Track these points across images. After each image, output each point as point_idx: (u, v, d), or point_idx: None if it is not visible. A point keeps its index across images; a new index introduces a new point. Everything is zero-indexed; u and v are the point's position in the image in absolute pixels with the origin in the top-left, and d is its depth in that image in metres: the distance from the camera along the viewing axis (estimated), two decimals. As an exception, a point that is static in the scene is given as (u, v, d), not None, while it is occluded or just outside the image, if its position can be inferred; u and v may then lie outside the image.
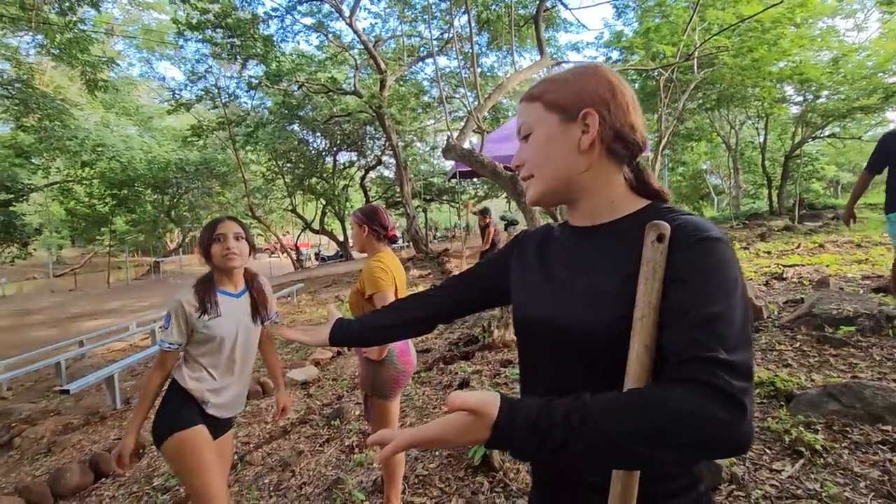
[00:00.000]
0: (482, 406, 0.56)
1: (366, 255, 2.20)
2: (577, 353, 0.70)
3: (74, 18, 12.09)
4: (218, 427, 1.82)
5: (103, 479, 3.24)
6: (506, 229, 9.62)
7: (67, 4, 11.40)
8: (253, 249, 1.86)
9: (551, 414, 0.55)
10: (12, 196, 21.56)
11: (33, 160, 19.81)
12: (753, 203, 24.65)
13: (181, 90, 16.81)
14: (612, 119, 0.72)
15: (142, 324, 10.08)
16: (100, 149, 19.50)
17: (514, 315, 0.86)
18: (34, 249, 24.14)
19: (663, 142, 9.14)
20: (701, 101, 16.71)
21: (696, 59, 8.84)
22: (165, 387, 1.80)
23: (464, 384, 3.70)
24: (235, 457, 3.27)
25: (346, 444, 3.13)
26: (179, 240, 32.09)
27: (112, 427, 4.38)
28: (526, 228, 1.00)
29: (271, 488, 2.74)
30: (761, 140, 20.26)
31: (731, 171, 23.39)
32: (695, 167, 28.17)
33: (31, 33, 13.76)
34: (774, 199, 19.45)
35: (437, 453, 2.75)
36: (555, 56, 14.35)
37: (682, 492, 0.68)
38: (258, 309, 1.86)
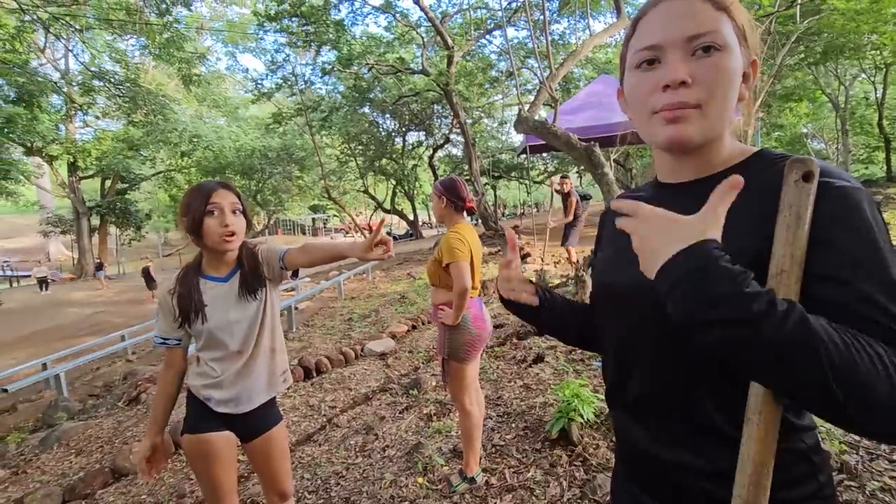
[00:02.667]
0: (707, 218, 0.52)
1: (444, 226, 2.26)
2: (672, 324, 0.60)
3: (170, 18, 13.18)
4: (247, 426, 1.57)
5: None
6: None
7: (164, 6, 12.44)
8: (248, 225, 1.54)
9: (758, 287, 0.48)
10: (127, 185, 24.48)
11: (142, 152, 22.22)
12: (866, 169, 21.66)
13: (262, 80, 17.84)
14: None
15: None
16: (195, 139, 21.37)
17: (594, 286, 0.79)
18: (146, 233, 27.27)
19: (757, 103, 8.23)
20: (803, 55, 14.78)
21: (798, 7, 7.81)
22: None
23: (539, 359, 3.69)
24: (323, 419, 3.54)
25: (424, 412, 3.26)
26: (266, 221, 34.50)
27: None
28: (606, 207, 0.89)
29: (357, 449, 2.93)
30: (878, 96, 17.60)
31: (839, 133, 20.63)
32: (794, 131, 25.11)
33: (135, 36, 15.25)
34: (894, 163, 16.93)
35: (513, 425, 2.79)
36: (633, 15, 13.36)
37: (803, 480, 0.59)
38: (247, 283, 1.52)
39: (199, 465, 1.53)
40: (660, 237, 0.53)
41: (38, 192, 26.91)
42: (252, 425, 1.58)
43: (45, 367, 7.41)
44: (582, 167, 14.02)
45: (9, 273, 23.95)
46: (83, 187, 22.69)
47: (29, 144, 18.13)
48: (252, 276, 1.53)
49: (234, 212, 1.45)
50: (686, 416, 0.62)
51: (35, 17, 11.63)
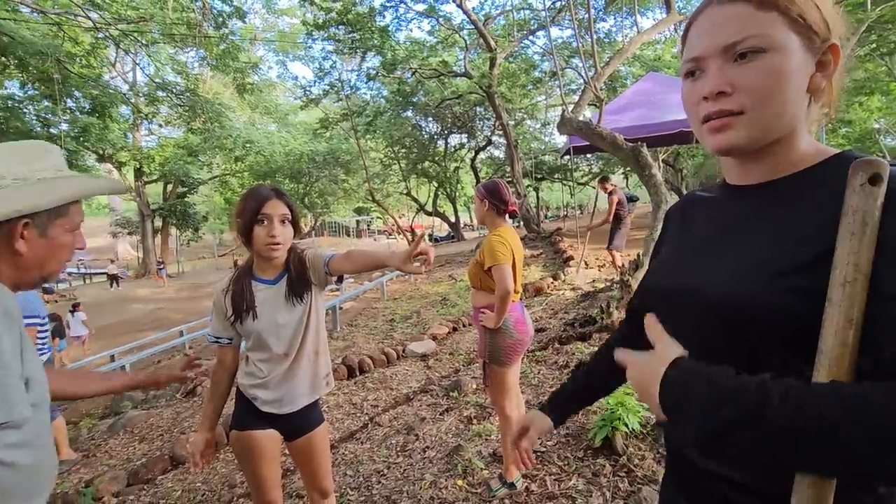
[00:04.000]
0: (666, 346, 0.58)
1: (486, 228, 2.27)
2: (727, 332, 0.57)
3: (226, 31, 13.92)
4: (291, 425, 1.62)
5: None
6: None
7: (221, 19, 13.16)
8: (297, 231, 1.58)
9: (742, 380, 0.49)
10: (186, 189, 26.07)
11: (200, 158, 23.57)
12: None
13: (311, 87, 18.51)
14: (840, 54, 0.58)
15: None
16: (248, 145, 22.43)
17: (646, 289, 0.77)
18: (202, 234, 28.92)
19: (834, 92, 7.66)
20: (875, 45, 13.67)
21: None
22: None
23: (580, 365, 3.61)
24: (366, 417, 3.62)
25: (465, 414, 3.26)
26: (312, 223, 35.66)
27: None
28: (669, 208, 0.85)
29: (398, 448, 2.98)
30: (965, 87, 15.97)
31: (918, 129, 18.91)
32: (864, 127, 23.25)
33: (194, 49, 16.20)
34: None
35: (555, 431, 2.75)
36: (684, 11, 12.83)
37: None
38: (294, 287, 1.56)
39: (244, 460, 1.61)
40: (644, 377, 0.58)
41: (109, 196, 29.12)
42: (295, 425, 1.62)
43: (112, 358, 8.02)
44: (628, 168, 13.60)
45: (83, 270, 25.99)
46: (147, 191, 24.35)
47: (101, 152, 19.64)
48: (299, 280, 1.57)
49: (282, 222, 1.50)
50: None
51: (107, 34, 12.60)
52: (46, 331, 3.57)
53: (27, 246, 0.88)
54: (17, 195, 0.86)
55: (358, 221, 42.50)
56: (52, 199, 0.89)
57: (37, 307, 3.50)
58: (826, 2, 0.57)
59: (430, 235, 32.17)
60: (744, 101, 0.56)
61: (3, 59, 14.19)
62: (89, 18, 11.12)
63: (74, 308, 10.78)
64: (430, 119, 22.06)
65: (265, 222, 1.47)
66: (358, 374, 4.73)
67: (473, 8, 14.90)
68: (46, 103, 15.41)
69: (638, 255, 4.61)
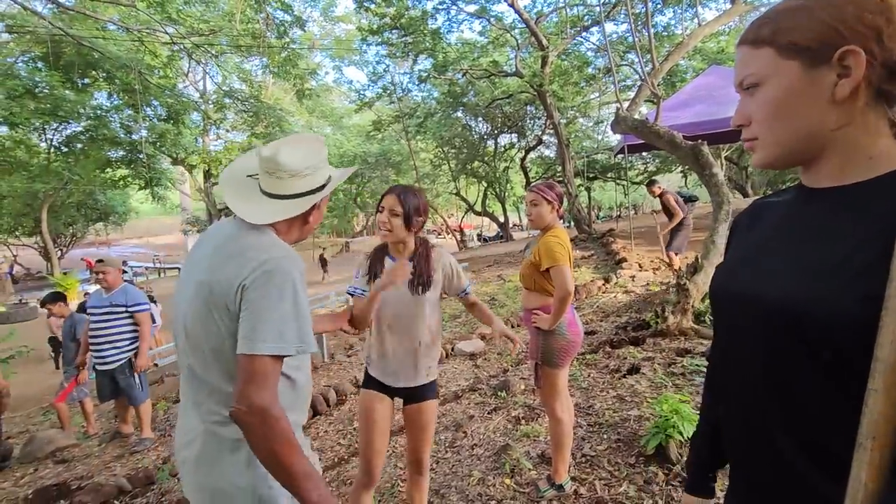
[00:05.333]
0: None
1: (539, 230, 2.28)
2: (795, 340, 0.57)
3: (288, 39, 14.64)
4: (401, 394, 1.87)
5: (318, 416, 4.02)
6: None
7: (283, 28, 13.86)
8: (409, 225, 1.77)
9: None
10: (249, 190, 27.59)
11: (262, 160, 24.88)
12: None
13: (365, 90, 19.08)
14: (884, 52, 0.54)
15: (339, 293, 11.96)
16: (305, 147, 23.44)
17: (711, 293, 0.76)
18: (263, 232, 30.46)
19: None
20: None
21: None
22: None
23: (634, 370, 3.52)
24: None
25: (513, 414, 3.28)
26: (364, 222, 36.72)
27: (322, 375, 5.35)
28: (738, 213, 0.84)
29: (447, 444, 3.04)
30: None
31: None
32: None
33: (258, 57, 17.14)
34: None
35: (604, 436, 2.71)
36: (750, 0, 12.04)
37: None
38: (417, 277, 1.79)
39: (361, 415, 1.89)
40: None
41: (181, 196, 31.37)
42: (409, 394, 1.88)
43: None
44: (687, 167, 12.96)
45: (158, 266, 28.18)
46: (215, 192, 26.00)
47: (174, 156, 21.20)
48: (423, 267, 1.83)
49: (392, 213, 1.76)
50: (787, 432, 0.60)
51: (181, 46, 13.62)
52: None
53: (315, 216, 1.21)
54: (318, 179, 1.16)
55: (408, 221, 43.25)
56: (342, 178, 1.23)
57: (142, 296, 4.15)
58: (841, 10, 0.56)
59: (479, 235, 32.14)
60: (755, 129, 0.64)
61: (93, 72, 15.71)
62: (167, 33, 12.07)
63: (151, 300, 11.75)
64: (480, 119, 22.08)
65: (383, 212, 1.79)
66: (408, 370, 4.85)
67: (525, 6, 14.76)
68: (129, 112, 16.86)
69: (696, 258, 4.42)
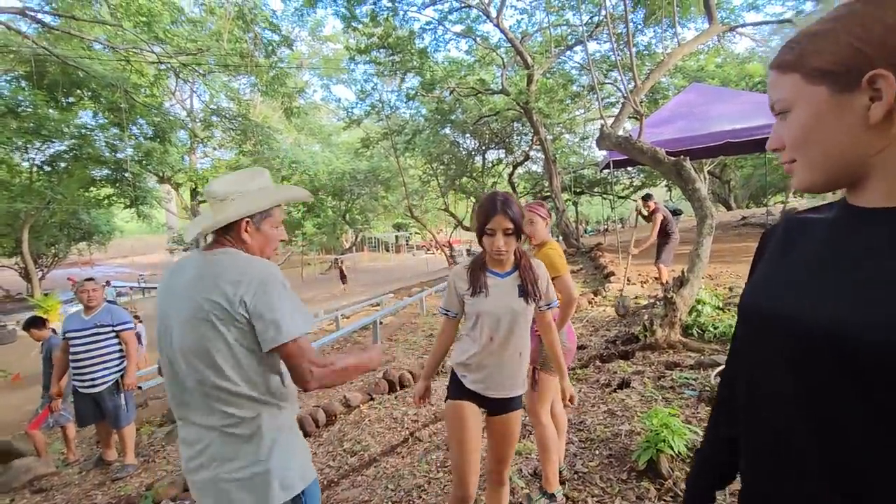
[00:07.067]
0: None
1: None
2: (843, 372, 0.52)
3: (276, 59, 14.75)
4: (492, 405, 1.82)
5: (307, 437, 3.94)
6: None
7: (271, 48, 13.97)
8: (518, 238, 1.74)
9: None
10: (236, 207, 27.41)
11: (249, 178, 24.81)
12: None
13: (353, 108, 19.21)
14: None
15: (328, 311, 11.84)
16: (294, 165, 23.44)
17: (743, 311, 0.71)
18: (250, 249, 30.18)
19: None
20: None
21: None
22: None
23: (624, 384, 3.53)
24: (406, 432, 3.67)
25: (504, 432, 3.25)
26: (353, 239, 36.59)
27: (311, 395, 5.27)
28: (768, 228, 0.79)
29: (438, 464, 3.00)
30: None
31: None
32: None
33: (246, 76, 17.21)
34: None
35: (596, 451, 2.70)
36: (727, 21, 12.47)
37: None
38: (526, 287, 1.77)
39: (451, 426, 1.85)
40: None
41: (167, 214, 31.05)
42: (496, 403, 1.84)
43: (160, 371, 8.46)
44: (671, 181, 13.24)
45: (143, 285, 27.69)
46: (202, 210, 25.80)
47: (161, 174, 21.03)
48: (529, 277, 1.79)
49: (506, 234, 1.69)
50: (824, 477, 0.55)
51: (168, 65, 13.64)
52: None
53: (250, 238, 1.35)
54: (242, 204, 1.33)
55: (397, 237, 43.21)
56: (260, 205, 1.35)
57: (127, 315, 4.14)
58: (869, 29, 0.53)
59: (468, 251, 32.23)
60: (790, 153, 0.63)
61: (78, 91, 15.62)
62: (153, 52, 12.09)
63: (137, 319, 11.52)
64: (468, 136, 22.32)
65: (491, 234, 1.70)
66: (398, 388, 4.81)
67: (510, 26, 15.09)
68: (114, 130, 16.74)
69: (682, 272, 4.48)
